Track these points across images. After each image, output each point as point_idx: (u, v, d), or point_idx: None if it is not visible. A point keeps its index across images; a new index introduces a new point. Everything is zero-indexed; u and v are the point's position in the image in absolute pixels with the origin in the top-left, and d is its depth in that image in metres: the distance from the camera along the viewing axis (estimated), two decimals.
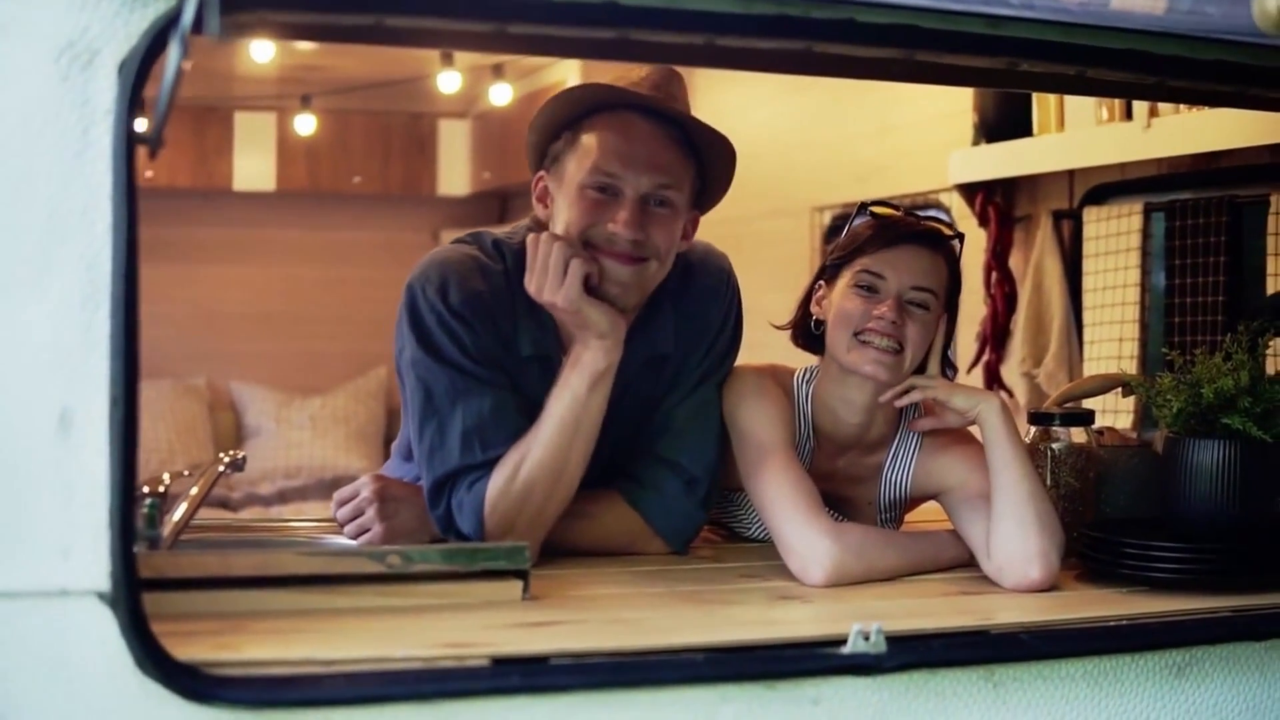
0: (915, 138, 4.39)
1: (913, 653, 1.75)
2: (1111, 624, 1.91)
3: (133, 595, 1.51)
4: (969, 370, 4.06)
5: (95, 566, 1.50)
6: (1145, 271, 3.33)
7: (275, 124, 7.46)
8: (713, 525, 2.56)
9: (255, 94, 7.21)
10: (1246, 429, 2.07)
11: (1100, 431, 2.52)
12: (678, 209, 2.18)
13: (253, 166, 7.54)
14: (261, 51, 5.62)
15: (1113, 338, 3.35)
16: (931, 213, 2.87)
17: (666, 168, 2.15)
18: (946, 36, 1.76)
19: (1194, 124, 3.04)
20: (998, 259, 3.85)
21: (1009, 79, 1.91)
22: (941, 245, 2.30)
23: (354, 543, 2.26)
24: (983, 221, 3.88)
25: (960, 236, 2.37)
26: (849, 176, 4.76)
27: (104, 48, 1.50)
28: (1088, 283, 3.50)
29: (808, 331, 2.37)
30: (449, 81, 5.93)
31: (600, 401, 2.14)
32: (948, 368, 2.39)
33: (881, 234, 2.28)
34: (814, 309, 2.34)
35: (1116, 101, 3.27)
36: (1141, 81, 1.91)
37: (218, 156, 7.46)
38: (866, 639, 1.72)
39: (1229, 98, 2.10)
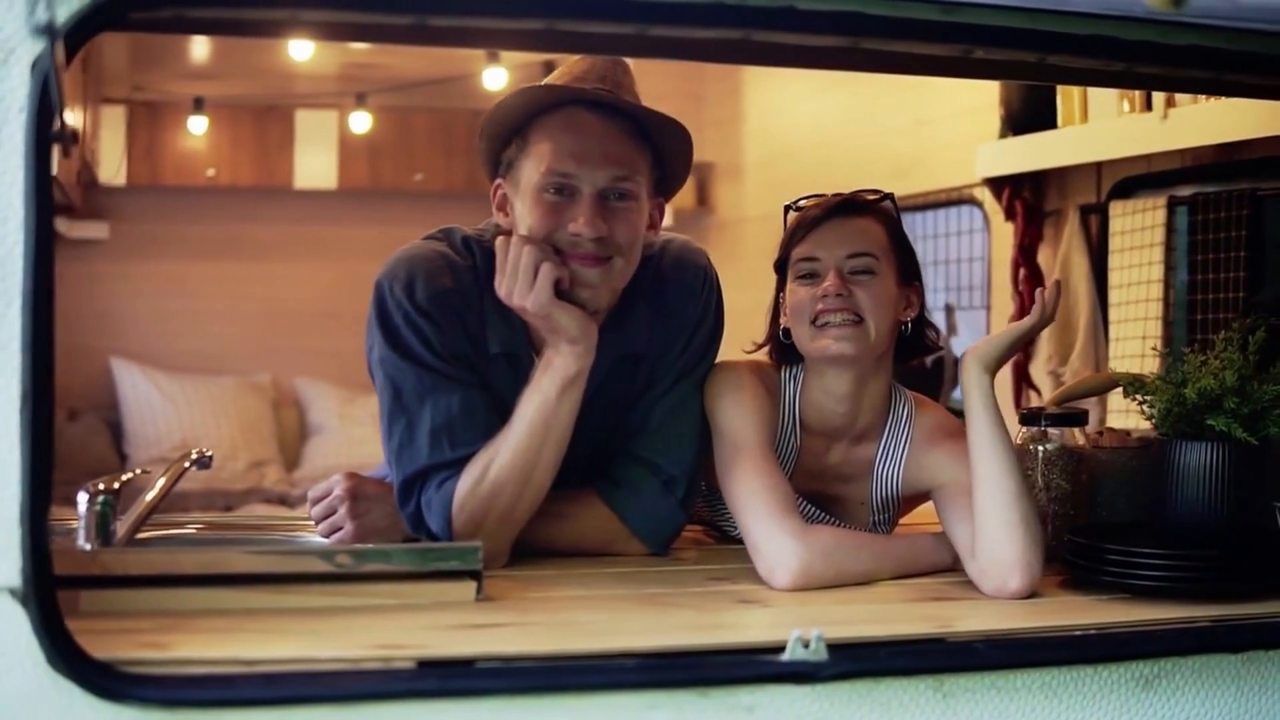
0: (949, 131, 4.31)
1: (855, 661, 1.69)
2: (1074, 633, 1.84)
3: (45, 592, 1.51)
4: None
5: (6, 563, 1.49)
6: (1169, 267, 3.23)
7: (336, 122, 7.50)
8: (705, 526, 2.52)
9: (315, 92, 7.26)
10: (1231, 431, 1.99)
11: (1100, 433, 2.45)
12: (638, 200, 2.14)
13: (314, 164, 7.58)
14: (301, 50, 5.64)
15: (1137, 335, 3.25)
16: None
17: (621, 160, 2.11)
18: (895, 24, 1.70)
19: (1211, 114, 2.94)
20: (1025, 254, 3.76)
21: (963, 67, 1.85)
22: (866, 211, 2.25)
23: (326, 541, 2.25)
24: (1009, 216, 3.80)
25: (889, 196, 2.30)
26: (887, 171, 4.68)
27: (17, 47, 1.49)
28: (1113, 279, 3.41)
29: (782, 345, 2.31)
30: (494, 78, 5.92)
31: (571, 405, 2.11)
32: (928, 329, 2.33)
33: (804, 220, 2.25)
34: (784, 320, 2.29)
35: (1137, 92, 3.17)
36: (1108, 68, 1.83)
37: (279, 155, 7.51)
38: (806, 646, 1.67)
39: (1204, 84, 2.03)
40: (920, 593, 2.07)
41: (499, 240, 2.11)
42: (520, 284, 2.05)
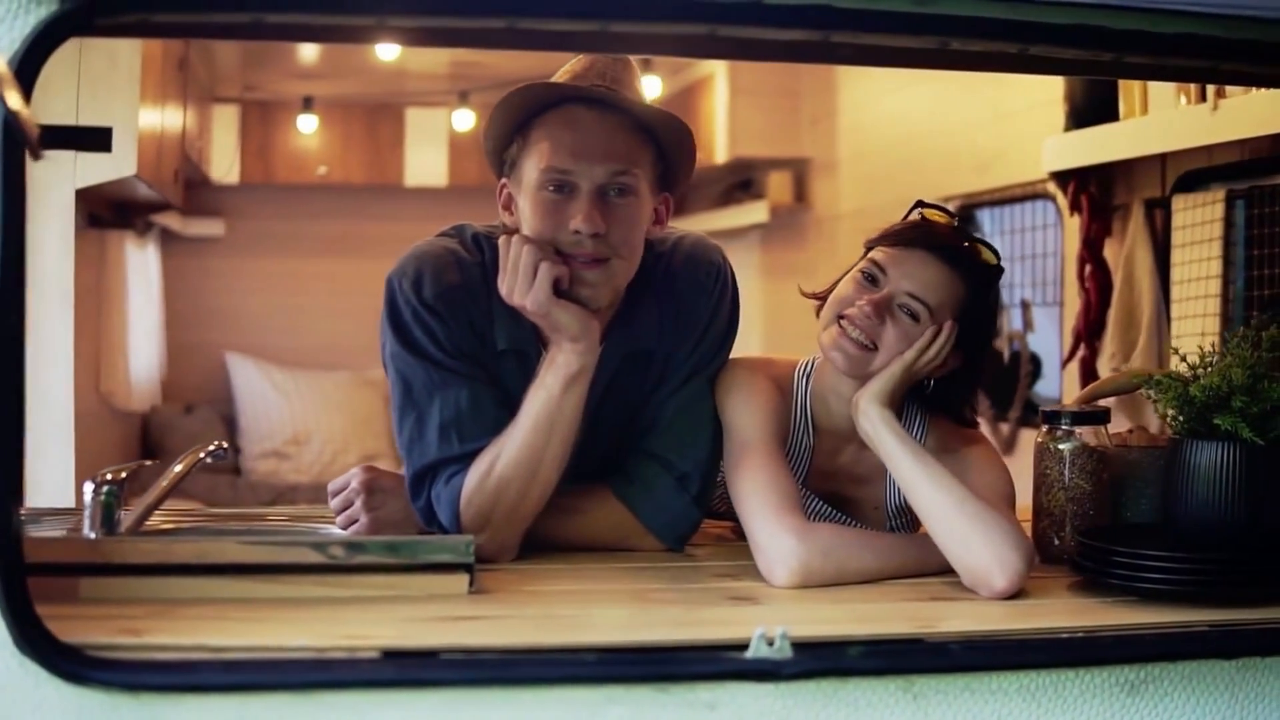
0: (1026, 124, 4.22)
1: (821, 660, 1.68)
2: (1056, 636, 1.80)
3: (13, 577, 1.56)
4: (1063, 366, 3.90)
5: None
6: (1229, 262, 3.12)
7: (446, 120, 7.59)
8: (733, 522, 2.51)
9: (425, 90, 7.36)
10: (1238, 430, 1.92)
11: (1130, 431, 2.39)
12: (639, 195, 2.15)
13: (425, 162, 7.69)
14: (387, 50, 5.73)
15: (1197, 332, 3.15)
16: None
17: (619, 155, 2.11)
18: (865, 16, 1.68)
19: (1262, 105, 2.82)
20: (1090, 249, 3.67)
21: (943, 58, 1.81)
22: (961, 265, 2.19)
23: (343, 533, 2.29)
24: (1074, 210, 3.71)
25: (999, 269, 2.26)
26: (969, 165, 4.61)
27: None
28: (1175, 274, 3.30)
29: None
30: None
31: (575, 401, 2.12)
32: (962, 406, 2.30)
33: (904, 231, 2.23)
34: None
35: (1192, 84, 3.07)
36: (1096, 59, 1.78)
37: (390, 152, 7.64)
38: (770, 644, 1.66)
39: (1200, 73, 1.96)
40: (920, 593, 2.03)
41: (501, 239, 2.13)
42: (520, 283, 2.07)
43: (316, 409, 7.58)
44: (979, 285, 2.22)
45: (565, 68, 2.21)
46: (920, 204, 2.27)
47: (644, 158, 2.15)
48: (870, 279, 2.19)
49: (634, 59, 2.27)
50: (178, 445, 6.95)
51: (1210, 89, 2.97)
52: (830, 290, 2.28)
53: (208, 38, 1.49)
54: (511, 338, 2.20)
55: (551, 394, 2.11)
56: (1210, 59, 1.78)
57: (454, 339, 2.17)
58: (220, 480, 6.98)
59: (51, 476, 3.50)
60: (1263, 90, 2.78)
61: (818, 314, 2.31)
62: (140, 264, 6.27)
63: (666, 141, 2.18)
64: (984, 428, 4.45)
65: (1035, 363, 4.37)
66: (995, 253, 2.26)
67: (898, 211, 2.30)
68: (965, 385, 2.28)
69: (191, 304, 7.42)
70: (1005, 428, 4.40)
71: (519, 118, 2.15)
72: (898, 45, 1.77)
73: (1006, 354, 4.42)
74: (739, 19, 1.66)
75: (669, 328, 2.27)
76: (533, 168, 2.12)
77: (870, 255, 2.22)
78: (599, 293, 2.13)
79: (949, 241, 2.20)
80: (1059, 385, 4.13)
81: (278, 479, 7.27)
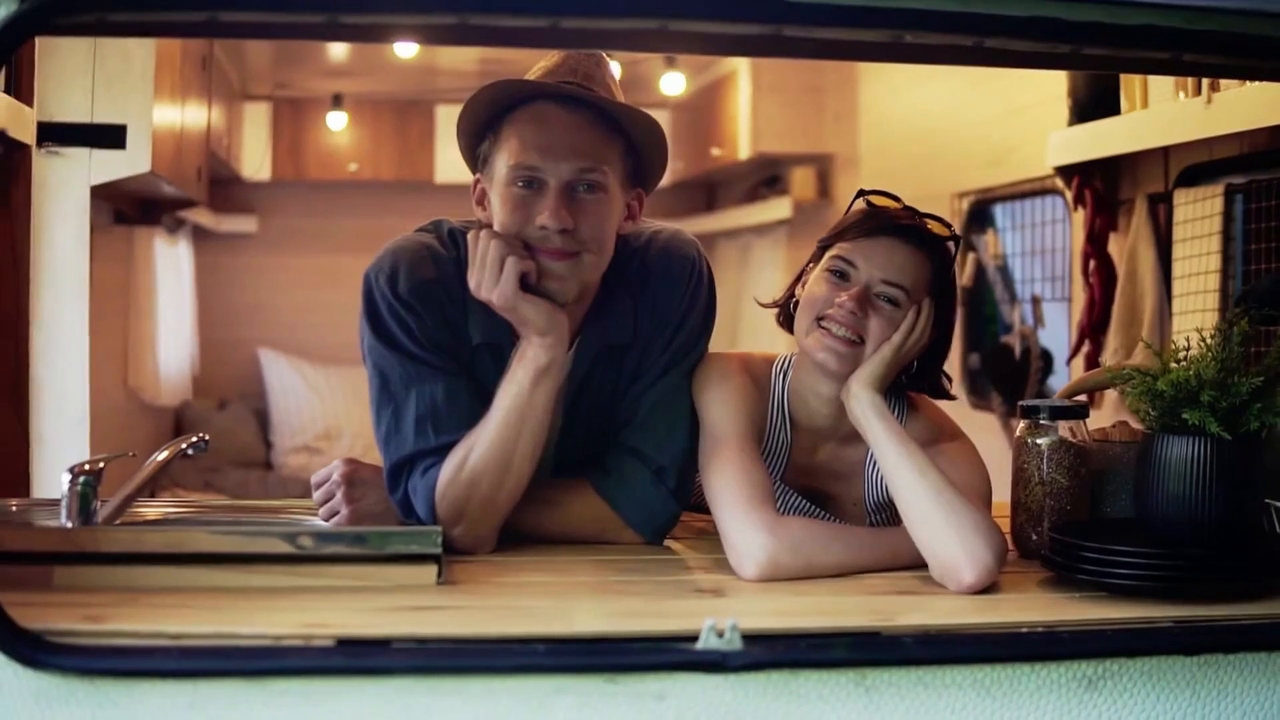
0: (1038, 119, 4.19)
1: (771, 652, 1.69)
2: (1014, 630, 1.80)
3: None
4: (1068, 362, 3.88)
5: None
6: (1228, 257, 3.10)
7: None
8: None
9: (455, 87, 7.40)
10: (1206, 425, 1.91)
11: (1114, 426, 2.38)
12: (608, 191, 2.16)
13: (455, 159, 7.69)
14: (412, 48, 5.76)
15: (1196, 328, 3.12)
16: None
17: (587, 152, 2.13)
18: (819, 10, 1.68)
19: (1256, 98, 2.80)
20: (1094, 244, 3.64)
21: (897, 52, 1.81)
22: (925, 243, 2.21)
23: (325, 524, 2.32)
24: (1079, 203, 3.69)
25: (956, 240, 2.27)
26: (983, 160, 4.59)
27: None
28: (1177, 269, 3.28)
29: (789, 314, 2.30)
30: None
31: (545, 395, 2.14)
32: (938, 378, 2.30)
33: (864, 222, 2.23)
34: (798, 290, 2.28)
35: (1189, 78, 3.04)
36: (1053, 51, 1.78)
37: (420, 149, 7.69)
38: (720, 635, 1.67)
39: (1161, 65, 1.94)
40: (890, 586, 2.03)
41: (470, 234, 2.15)
42: (487, 277, 2.09)
43: (348, 404, 7.64)
44: (942, 259, 2.23)
45: (539, 64, 2.23)
46: (863, 192, 2.27)
47: (613, 154, 2.17)
48: (840, 275, 2.19)
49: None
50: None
51: (1205, 82, 2.95)
52: (789, 297, 2.29)
53: (164, 36, 1.52)
54: (486, 332, 2.22)
55: (521, 388, 2.12)
56: (1171, 50, 1.76)
57: (428, 333, 2.19)
58: (251, 475, 7.05)
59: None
60: (1258, 83, 2.76)
61: (780, 322, 2.32)
62: (171, 260, 6.34)
63: (638, 137, 2.19)
64: (994, 424, 4.48)
65: (1046, 358, 4.35)
66: (946, 224, 2.27)
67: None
68: (938, 357, 2.28)
69: (224, 300, 7.50)
70: (1016, 423, 4.36)
71: (490, 114, 2.17)
72: (851, 39, 1.77)
73: (1018, 350, 4.40)
74: (690, 13, 1.67)
75: (644, 322, 2.27)
76: (502, 164, 2.15)
77: (833, 252, 2.22)
78: (567, 286, 2.14)
79: (908, 223, 2.21)
80: (1068, 381, 4.11)
81: (309, 474, 7.29)
